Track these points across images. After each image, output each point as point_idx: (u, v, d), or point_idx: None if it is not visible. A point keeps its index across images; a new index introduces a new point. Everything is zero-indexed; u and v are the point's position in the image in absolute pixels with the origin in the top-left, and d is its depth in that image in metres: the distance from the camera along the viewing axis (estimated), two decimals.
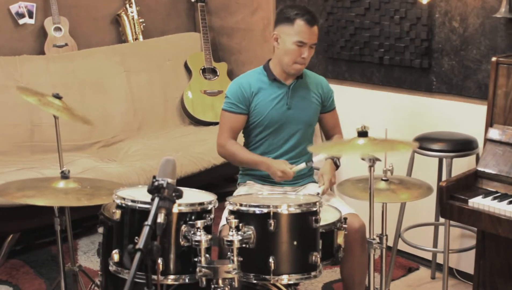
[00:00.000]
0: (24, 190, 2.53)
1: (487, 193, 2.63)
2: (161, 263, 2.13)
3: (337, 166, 2.85)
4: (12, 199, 2.49)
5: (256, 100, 2.85)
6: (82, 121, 2.94)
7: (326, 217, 2.41)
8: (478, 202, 2.56)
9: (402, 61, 3.55)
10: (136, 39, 4.73)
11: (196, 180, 3.86)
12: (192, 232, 2.18)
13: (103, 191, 2.57)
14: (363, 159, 2.42)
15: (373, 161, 2.36)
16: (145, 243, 1.70)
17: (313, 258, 2.25)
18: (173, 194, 1.86)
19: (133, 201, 2.23)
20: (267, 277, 2.22)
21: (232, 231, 2.18)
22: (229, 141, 2.86)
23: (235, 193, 2.87)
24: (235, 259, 2.16)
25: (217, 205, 2.34)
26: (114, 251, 2.24)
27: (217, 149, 2.92)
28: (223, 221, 2.58)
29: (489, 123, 2.77)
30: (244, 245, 2.20)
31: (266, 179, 2.89)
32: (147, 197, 1.89)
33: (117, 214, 2.25)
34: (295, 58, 2.77)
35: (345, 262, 2.63)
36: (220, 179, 4.52)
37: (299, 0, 4.12)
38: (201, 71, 4.74)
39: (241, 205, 2.26)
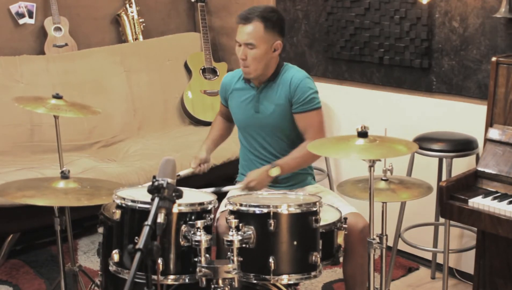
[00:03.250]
0: (24, 190, 2.54)
1: (487, 193, 2.63)
2: (161, 263, 2.13)
3: (274, 176, 2.68)
4: (12, 199, 2.49)
5: (231, 100, 2.92)
6: (91, 113, 3.00)
7: (326, 217, 2.41)
8: (478, 202, 2.56)
9: (402, 61, 3.55)
10: (136, 39, 4.73)
11: (196, 180, 3.86)
12: (192, 232, 2.18)
13: (103, 191, 2.57)
14: (363, 159, 2.41)
15: (373, 161, 2.36)
16: (145, 243, 1.70)
17: (313, 258, 2.25)
18: (173, 194, 1.86)
19: (133, 201, 2.23)
20: (267, 277, 2.22)
21: (232, 231, 2.18)
22: (217, 116, 3.12)
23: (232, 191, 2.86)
24: (235, 259, 2.16)
25: (217, 205, 2.34)
26: (114, 251, 2.25)
27: None
28: (221, 209, 2.59)
29: (489, 123, 2.77)
30: (244, 245, 2.20)
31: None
32: (147, 197, 1.89)
33: (117, 214, 2.25)
34: (239, 60, 2.75)
35: (348, 261, 2.63)
36: (220, 179, 4.51)
37: (299, 0, 4.13)
38: (201, 71, 4.74)
39: (241, 205, 2.26)
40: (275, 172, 2.67)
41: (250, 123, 2.84)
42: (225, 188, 2.72)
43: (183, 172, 2.90)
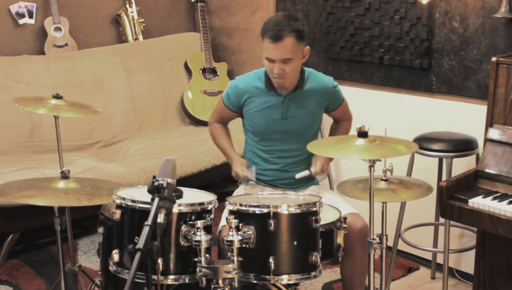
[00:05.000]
0: (24, 190, 2.53)
1: (487, 193, 2.63)
2: (161, 263, 2.13)
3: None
4: (12, 199, 2.49)
5: (248, 105, 2.85)
6: (91, 112, 2.99)
7: (326, 217, 2.41)
8: (478, 202, 2.56)
9: (402, 61, 3.55)
10: (136, 39, 4.73)
11: (196, 180, 3.86)
12: (192, 232, 2.18)
13: (103, 191, 2.57)
14: (363, 159, 2.41)
15: (373, 161, 2.36)
16: (145, 243, 1.70)
17: (313, 258, 2.25)
18: (173, 194, 1.86)
19: (133, 201, 2.23)
20: (267, 277, 2.22)
21: (232, 231, 2.18)
22: (215, 123, 3.03)
23: (236, 191, 2.87)
24: (235, 259, 2.16)
25: (217, 205, 2.34)
26: (114, 251, 2.25)
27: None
28: (223, 222, 2.58)
29: (489, 123, 2.77)
30: (244, 245, 2.20)
31: (268, 183, 2.89)
32: (147, 197, 1.89)
33: (117, 214, 2.25)
34: (270, 73, 2.73)
35: (346, 262, 2.63)
36: (220, 179, 4.52)
37: (299, 1, 4.13)
38: (201, 71, 4.74)
39: (241, 205, 2.26)
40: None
41: (274, 129, 2.83)
42: (299, 175, 2.85)
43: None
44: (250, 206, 2.25)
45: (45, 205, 2.47)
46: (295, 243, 2.25)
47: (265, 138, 2.86)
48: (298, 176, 2.85)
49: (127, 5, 4.71)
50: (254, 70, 2.90)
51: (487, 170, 2.70)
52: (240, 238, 2.17)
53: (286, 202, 2.29)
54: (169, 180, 1.85)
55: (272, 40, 2.62)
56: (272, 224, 2.21)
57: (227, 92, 2.90)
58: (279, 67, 2.66)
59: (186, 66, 4.77)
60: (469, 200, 2.58)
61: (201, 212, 2.26)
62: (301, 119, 2.82)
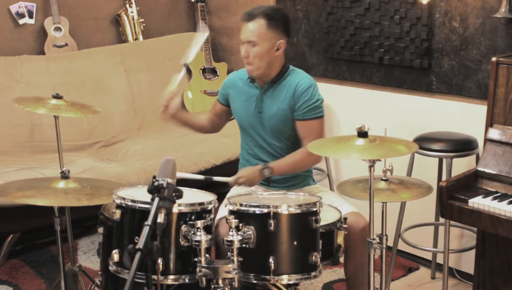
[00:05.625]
0: (24, 190, 2.54)
1: (487, 193, 2.63)
2: (161, 263, 2.13)
3: (268, 178, 2.72)
4: (12, 199, 2.49)
5: (233, 98, 2.90)
6: (91, 112, 3.00)
7: (326, 217, 2.41)
8: (478, 202, 2.56)
9: (402, 61, 3.55)
10: (136, 39, 4.73)
11: (196, 180, 3.86)
12: (192, 232, 2.18)
13: (103, 191, 2.57)
14: (363, 159, 2.41)
15: (373, 161, 2.36)
16: (145, 243, 1.70)
17: (313, 258, 2.25)
18: (173, 194, 1.86)
19: (133, 201, 2.23)
20: (267, 277, 2.22)
21: (232, 231, 2.18)
22: (205, 113, 3.10)
23: (232, 191, 2.86)
24: (235, 259, 2.16)
25: (217, 205, 2.34)
26: (114, 251, 2.25)
27: None
28: (219, 215, 2.58)
29: (489, 123, 2.77)
30: (244, 245, 2.20)
31: (262, 181, 2.89)
32: (147, 197, 1.89)
33: (117, 214, 2.25)
34: (243, 58, 2.75)
35: (349, 261, 2.63)
36: None
37: (299, 1, 4.12)
38: (201, 71, 4.74)
39: (241, 205, 2.26)
40: (266, 172, 2.68)
41: (252, 122, 2.83)
42: (215, 178, 2.73)
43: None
44: (250, 206, 2.25)
45: (45, 205, 2.47)
46: (295, 243, 2.25)
47: (246, 131, 2.87)
48: (215, 179, 2.73)
49: (127, 5, 4.71)
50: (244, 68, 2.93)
51: (487, 170, 2.70)
52: (240, 238, 2.17)
53: (286, 202, 2.29)
54: (169, 180, 1.85)
55: (243, 18, 2.70)
56: (272, 224, 2.21)
57: (221, 86, 2.99)
58: (245, 50, 2.70)
59: (186, 66, 4.77)
60: (469, 200, 2.58)
61: (201, 212, 2.26)
62: (272, 116, 2.77)
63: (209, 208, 2.29)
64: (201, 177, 2.75)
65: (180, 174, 2.35)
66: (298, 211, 2.26)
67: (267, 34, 2.67)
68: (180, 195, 1.88)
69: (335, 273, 3.47)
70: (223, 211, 2.57)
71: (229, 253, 2.18)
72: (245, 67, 2.79)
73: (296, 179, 2.87)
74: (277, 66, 2.76)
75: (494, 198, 2.56)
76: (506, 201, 2.52)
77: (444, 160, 3.14)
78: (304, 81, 2.74)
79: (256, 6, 2.75)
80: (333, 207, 2.58)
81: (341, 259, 2.49)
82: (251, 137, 2.86)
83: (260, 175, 2.68)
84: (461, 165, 3.18)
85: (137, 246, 1.70)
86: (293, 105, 2.72)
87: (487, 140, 2.76)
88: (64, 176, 2.59)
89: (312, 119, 2.72)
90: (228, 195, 2.76)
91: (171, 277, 2.22)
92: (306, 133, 2.72)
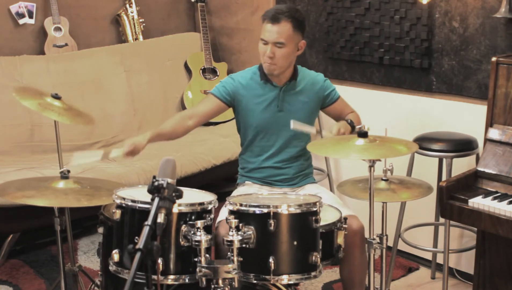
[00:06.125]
0: (24, 190, 2.53)
1: (487, 193, 2.63)
2: (161, 263, 2.13)
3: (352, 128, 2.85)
4: (12, 199, 2.49)
5: (242, 101, 2.85)
6: (84, 122, 2.90)
7: (326, 217, 2.41)
8: (478, 202, 2.56)
9: (402, 61, 3.55)
10: (136, 39, 4.73)
11: (196, 180, 3.86)
12: (192, 232, 2.18)
13: (103, 191, 2.57)
14: (363, 159, 2.41)
15: (373, 161, 2.36)
16: (145, 243, 1.70)
17: (313, 258, 2.25)
18: (173, 194, 1.86)
19: (133, 201, 2.23)
20: (267, 277, 2.22)
21: (232, 231, 2.18)
22: (182, 114, 2.95)
23: (233, 194, 2.86)
24: (235, 259, 2.16)
25: (217, 205, 2.34)
26: (114, 251, 2.25)
27: None
28: (219, 218, 2.58)
29: (489, 123, 2.77)
30: (244, 245, 2.20)
31: (264, 180, 2.89)
32: (147, 197, 1.89)
33: (117, 214, 2.25)
34: (262, 57, 2.76)
35: (344, 263, 2.63)
36: (220, 179, 4.52)
37: (299, 0, 4.12)
38: (201, 71, 4.74)
39: (241, 205, 2.26)
40: (353, 123, 2.85)
41: (272, 123, 2.84)
42: (325, 133, 2.87)
43: (112, 154, 2.66)
44: (250, 206, 2.25)
45: (45, 205, 2.47)
46: (295, 243, 2.25)
47: (260, 133, 2.86)
48: (294, 125, 2.68)
49: (127, 5, 4.71)
50: (247, 68, 2.94)
51: (487, 170, 2.70)
52: (240, 238, 2.17)
53: (286, 202, 2.29)
54: (169, 180, 1.85)
55: (269, 21, 2.71)
56: (272, 224, 2.21)
57: (221, 83, 2.89)
58: (271, 50, 2.72)
59: (186, 66, 4.77)
60: (469, 200, 2.58)
61: (201, 212, 2.26)
62: (297, 111, 2.83)
63: (209, 208, 2.29)
64: (312, 129, 2.78)
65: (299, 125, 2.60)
66: (298, 211, 2.26)
67: (294, 36, 2.74)
68: (180, 195, 1.88)
69: (335, 273, 3.47)
70: (224, 213, 2.56)
71: (229, 253, 2.18)
72: (265, 67, 2.78)
73: (298, 179, 2.89)
74: (293, 65, 2.85)
75: (494, 198, 2.56)
76: (506, 201, 2.52)
77: (444, 160, 3.14)
78: (317, 75, 2.95)
79: (277, 7, 2.77)
80: (333, 207, 2.58)
81: None
82: (264, 138, 2.86)
83: (349, 125, 2.85)
84: (461, 165, 3.18)
85: (137, 246, 1.70)
86: (320, 96, 2.91)
87: (487, 140, 2.76)
88: (64, 176, 2.59)
89: (339, 98, 2.99)
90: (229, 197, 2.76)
91: (171, 277, 2.22)
92: (342, 108, 3.00)
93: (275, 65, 2.75)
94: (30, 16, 4.35)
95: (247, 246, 2.21)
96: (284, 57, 2.74)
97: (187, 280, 2.23)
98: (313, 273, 2.28)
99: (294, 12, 2.75)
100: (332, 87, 2.95)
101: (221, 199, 2.43)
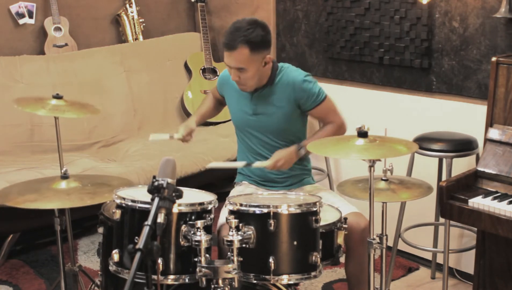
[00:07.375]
0: (25, 194, 2.53)
1: (487, 193, 2.63)
2: (161, 263, 2.13)
3: (302, 155, 2.77)
4: (14, 205, 2.47)
5: (227, 96, 2.92)
6: (90, 112, 2.98)
7: (326, 217, 2.41)
8: (478, 202, 2.56)
9: (402, 61, 3.55)
10: (136, 39, 4.73)
11: (196, 180, 3.86)
12: (192, 232, 2.18)
13: (105, 188, 2.57)
14: (363, 159, 2.41)
15: (373, 161, 2.36)
16: (145, 243, 1.70)
17: (313, 258, 2.25)
18: (173, 194, 1.86)
19: (133, 201, 2.23)
20: (267, 277, 2.22)
21: (232, 231, 2.18)
22: (210, 94, 3.15)
23: (231, 193, 2.86)
24: (235, 259, 2.16)
25: (217, 205, 2.34)
26: (114, 251, 2.24)
27: None
28: (221, 220, 2.58)
29: (489, 123, 2.77)
30: (244, 245, 2.20)
31: (260, 181, 2.89)
32: (147, 197, 1.89)
33: (117, 214, 2.25)
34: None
35: (350, 261, 2.63)
36: (220, 179, 4.52)
37: (299, 1, 4.12)
38: (201, 71, 4.74)
39: (241, 205, 2.26)
40: (303, 151, 2.73)
41: (247, 124, 2.84)
42: (255, 164, 2.78)
43: (175, 135, 2.95)
44: (250, 206, 2.25)
45: (49, 208, 2.47)
46: (295, 243, 2.25)
47: (241, 132, 2.88)
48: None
49: (127, 5, 4.71)
50: None
51: (487, 170, 2.70)
52: (240, 238, 2.17)
53: (286, 202, 2.29)
54: (169, 180, 1.85)
55: (225, 48, 2.65)
56: (272, 224, 2.21)
57: (218, 79, 3.04)
58: (235, 74, 2.68)
59: (186, 66, 4.77)
60: (469, 200, 2.58)
61: (201, 212, 2.26)
62: (271, 116, 2.78)
63: (209, 208, 2.29)
64: (241, 164, 2.84)
65: (216, 164, 2.43)
66: (298, 211, 2.25)
67: (253, 58, 2.64)
68: (180, 195, 1.88)
69: (335, 273, 3.47)
70: (224, 216, 2.56)
71: (229, 253, 2.18)
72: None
73: (296, 179, 2.88)
74: (267, 74, 2.76)
75: (494, 198, 2.56)
76: (506, 201, 2.52)
77: (444, 160, 3.15)
78: (296, 77, 2.76)
79: (233, 31, 2.63)
80: (333, 207, 2.58)
81: (341, 259, 2.49)
82: (248, 139, 2.86)
83: (296, 156, 2.74)
84: (461, 165, 3.18)
85: (137, 246, 1.70)
86: (298, 101, 2.75)
87: (487, 140, 2.76)
88: (64, 176, 2.59)
89: (321, 102, 2.78)
90: (229, 196, 2.76)
91: (171, 277, 2.21)
92: (324, 114, 2.83)
93: (244, 85, 2.72)
94: (30, 16, 4.35)
95: (247, 246, 2.21)
96: (249, 78, 2.68)
97: (187, 280, 2.23)
98: (313, 273, 2.28)
99: (250, 32, 2.60)
100: (313, 91, 2.75)
101: (221, 199, 2.43)
